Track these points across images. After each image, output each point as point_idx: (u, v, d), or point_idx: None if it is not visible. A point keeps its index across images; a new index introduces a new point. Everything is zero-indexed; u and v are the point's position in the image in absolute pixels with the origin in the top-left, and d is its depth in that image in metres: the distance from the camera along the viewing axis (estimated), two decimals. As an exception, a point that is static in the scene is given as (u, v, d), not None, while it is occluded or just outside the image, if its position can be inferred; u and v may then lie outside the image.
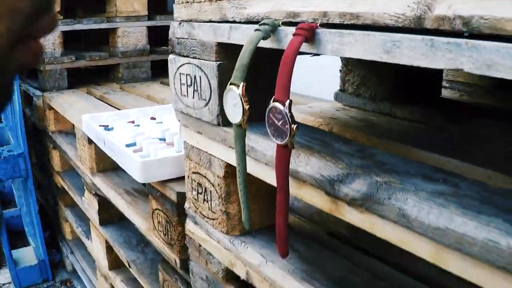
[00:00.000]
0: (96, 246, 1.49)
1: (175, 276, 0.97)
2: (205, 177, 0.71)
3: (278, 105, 0.45)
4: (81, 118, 1.25)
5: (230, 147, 0.62)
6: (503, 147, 0.65)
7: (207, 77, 0.63)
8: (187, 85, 0.68)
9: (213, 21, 0.61)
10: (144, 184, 1.06)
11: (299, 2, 0.49)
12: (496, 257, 0.34)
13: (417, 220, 0.39)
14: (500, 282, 0.35)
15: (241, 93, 0.48)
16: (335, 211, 0.48)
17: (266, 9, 0.52)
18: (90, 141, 1.31)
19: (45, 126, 1.85)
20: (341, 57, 0.89)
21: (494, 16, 0.32)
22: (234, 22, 0.57)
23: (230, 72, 0.56)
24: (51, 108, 1.77)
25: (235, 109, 0.50)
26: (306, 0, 0.48)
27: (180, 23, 0.68)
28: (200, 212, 0.75)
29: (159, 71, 2.12)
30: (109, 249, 1.40)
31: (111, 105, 1.64)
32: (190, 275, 0.84)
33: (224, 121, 0.62)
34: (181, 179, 0.91)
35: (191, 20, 0.66)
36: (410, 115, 0.82)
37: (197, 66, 0.64)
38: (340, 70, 0.95)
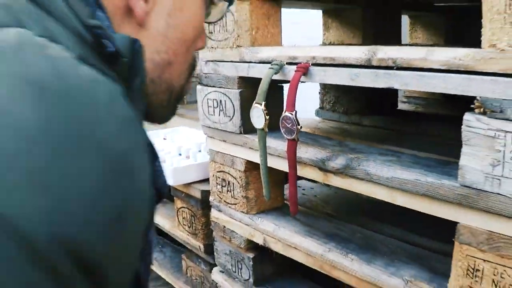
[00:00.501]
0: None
1: (198, 260, 1.22)
2: (228, 173, 0.98)
3: (288, 114, 0.73)
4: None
5: (250, 148, 0.89)
6: (440, 140, 0.94)
7: (231, 100, 0.90)
8: (213, 107, 0.96)
9: (234, 61, 0.89)
10: (169, 190, 1.31)
11: (296, 49, 0.77)
12: (420, 189, 0.62)
13: (376, 175, 0.67)
14: (423, 204, 0.63)
15: (263, 109, 0.76)
16: (326, 180, 0.76)
17: (274, 54, 0.81)
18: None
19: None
20: (320, 83, 1.18)
21: (408, 57, 0.61)
22: (250, 62, 0.85)
23: (247, 96, 0.84)
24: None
25: (259, 119, 0.77)
26: (301, 48, 0.77)
27: (206, 63, 0.96)
28: (224, 200, 1.01)
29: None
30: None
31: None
32: (215, 253, 1.10)
33: (244, 130, 0.90)
34: (200, 182, 1.17)
35: (215, 61, 0.94)
36: (375, 122, 1.11)
37: (223, 93, 0.92)
38: (319, 93, 1.25)
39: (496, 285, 0.55)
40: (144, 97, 0.45)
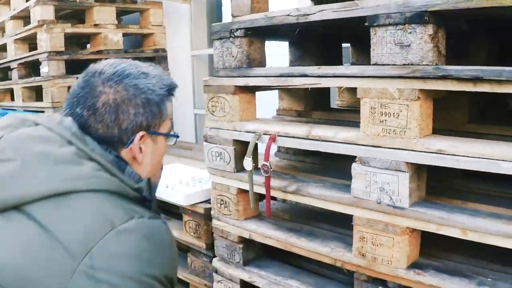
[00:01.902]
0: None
1: (201, 255, 1.82)
2: (225, 196, 1.60)
3: (265, 162, 1.37)
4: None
5: (240, 180, 1.52)
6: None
7: (228, 153, 1.53)
8: (215, 156, 1.58)
9: (229, 130, 1.52)
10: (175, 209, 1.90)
11: (267, 125, 1.42)
12: (331, 199, 1.28)
13: (312, 193, 1.33)
14: (335, 207, 1.29)
15: (251, 160, 1.40)
16: (285, 197, 1.40)
17: (255, 127, 1.45)
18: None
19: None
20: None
21: (323, 134, 1.27)
22: (240, 131, 1.49)
23: (238, 150, 1.48)
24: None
25: (248, 165, 1.41)
26: (270, 125, 1.41)
27: (210, 129, 1.58)
28: (222, 213, 1.62)
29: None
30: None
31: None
32: (215, 248, 1.70)
33: (237, 170, 1.52)
34: (201, 202, 1.77)
35: (217, 128, 1.56)
36: (312, 161, 1.77)
37: (222, 148, 1.54)
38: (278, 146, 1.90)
39: None
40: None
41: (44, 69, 2.77)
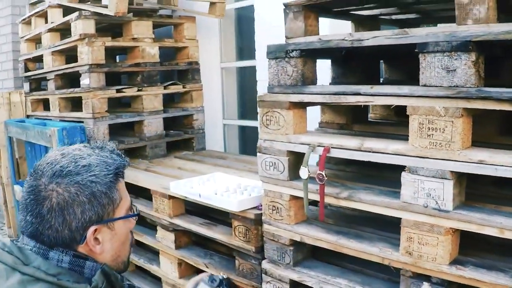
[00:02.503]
0: (165, 266, 2.50)
1: (249, 258, 2.07)
2: (278, 202, 1.85)
3: (320, 172, 1.63)
4: (171, 184, 2.33)
5: (292, 188, 1.78)
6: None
7: (282, 163, 1.79)
8: (269, 166, 1.84)
9: (283, 142, 1.78)
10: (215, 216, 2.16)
11: (320, 138, 1.68)
12: (387, 204, 1.54)
13: (363, 199, 1.58)
14: (392, 212, 1.55)
15: (307, 169, 1.66)
16: (338, 203, 1.66)
17: (308, 140, 1.71)
18: (169, 197, 2.38)
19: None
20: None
21: (375, 146, 1.53)
22: (295, 143, 1.75)
23: (292, 160, 1.74)
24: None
25: (303, 174, 1.67)
26: (322, 137, 1.68)
27: (264, 141, 1.85)
28: (273, 218, 1.88)
29: (171, 148, 3.23)
30: (179, 265, 2.43)
31: (160, 174, 2.71)
32: (265, 250, 1.95)
33: (290, 178, 1.78)
34: (251, 209, 2.03)
35: (271, 140, 1.82)
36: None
37: (276, 159, 1.81)
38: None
39: None
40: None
41: (84, 80, 3.07)
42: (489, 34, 1.23)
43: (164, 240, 2.48)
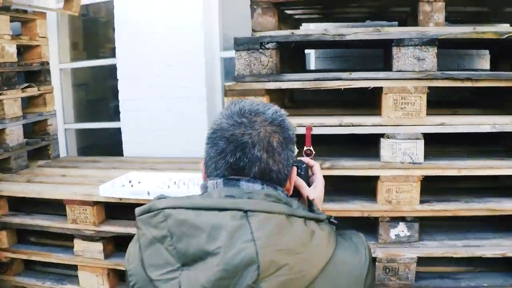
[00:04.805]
0: (88, 281, 2.21)
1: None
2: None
3: (309, 147, 1.86)
4: (100, 188, 2.11)
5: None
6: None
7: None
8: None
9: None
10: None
11: (299, 119, 1.91)
12: (360, 168, 1.89)
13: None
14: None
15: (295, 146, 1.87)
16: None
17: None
18: (94, 204, 2.15)
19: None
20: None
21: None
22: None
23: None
24: None
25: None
26: (300, 118, 1.91)
27: (235, 127, 1.95)
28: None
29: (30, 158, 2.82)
30: (108, 275, 2.21)
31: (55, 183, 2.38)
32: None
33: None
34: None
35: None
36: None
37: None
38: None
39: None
40: None
41: None
42: (450, 34, 1.73)
43: (87, 252, 2.21)
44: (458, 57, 2.71)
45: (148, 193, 2.06)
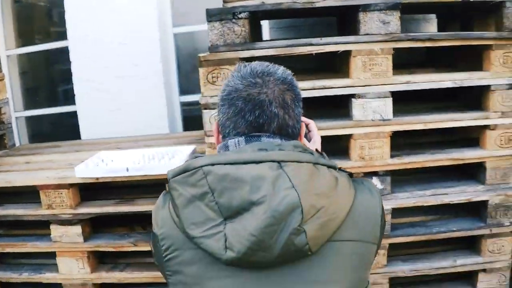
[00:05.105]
0: (67, 266, 2.17)
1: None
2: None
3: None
4: (76, 169, 2.06)
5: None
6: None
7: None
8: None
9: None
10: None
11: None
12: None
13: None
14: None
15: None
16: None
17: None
18: (70, 186, 2.10)
19: None
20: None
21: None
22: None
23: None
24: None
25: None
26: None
27: (211, 97, 1.97)
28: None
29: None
30: (88, 258, 2.18)
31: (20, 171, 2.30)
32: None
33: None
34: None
35: (220, 96, 1.97)
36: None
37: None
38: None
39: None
40: None
41: None
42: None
43: (65, 237, 2.16)
44: (406, 22, 2.87)
45: (127, 170, 2.05)
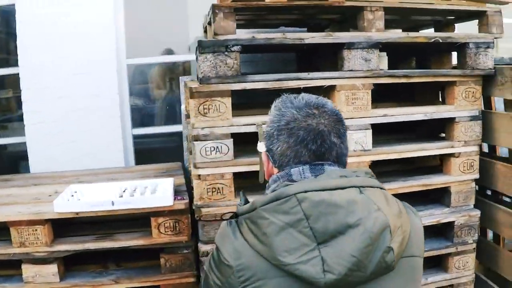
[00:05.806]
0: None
1: (180, 249, 2.07)
2: (218, 183, 2.02)
3: (274, 143, 2.00)
4: (55, 204, 1.93)
5: (237, 166, 2.01)
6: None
7: (227, 145, 1.99)
8: (211, 150, 1.99)
9: (225, 126, 1.99)
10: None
11: (261, 117, 2.03)
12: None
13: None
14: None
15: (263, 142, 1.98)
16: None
17: (251, 120, 2.01)
18: (45, 222, 1.96)
19: None
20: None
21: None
22: (238, 125, 2.00)
23: (235, 142, 2.02)
24: None
25: (261, 147, 1.98)
26: (261, 116, 2.04)
27: (202, 129, 1.98)
28: (213, 199, 2.03)
29: None
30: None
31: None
32: (201, 235, 2.05)
33: (235, 157, 2.01)
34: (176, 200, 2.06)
35: (211, 127, 1.98)
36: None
37: (220, 142, 1.99)
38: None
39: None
40: None
41: None
42: (389, 38, 2.05)
43: (38, 277, 1.99)
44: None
45: (113, 203, 1.97)
